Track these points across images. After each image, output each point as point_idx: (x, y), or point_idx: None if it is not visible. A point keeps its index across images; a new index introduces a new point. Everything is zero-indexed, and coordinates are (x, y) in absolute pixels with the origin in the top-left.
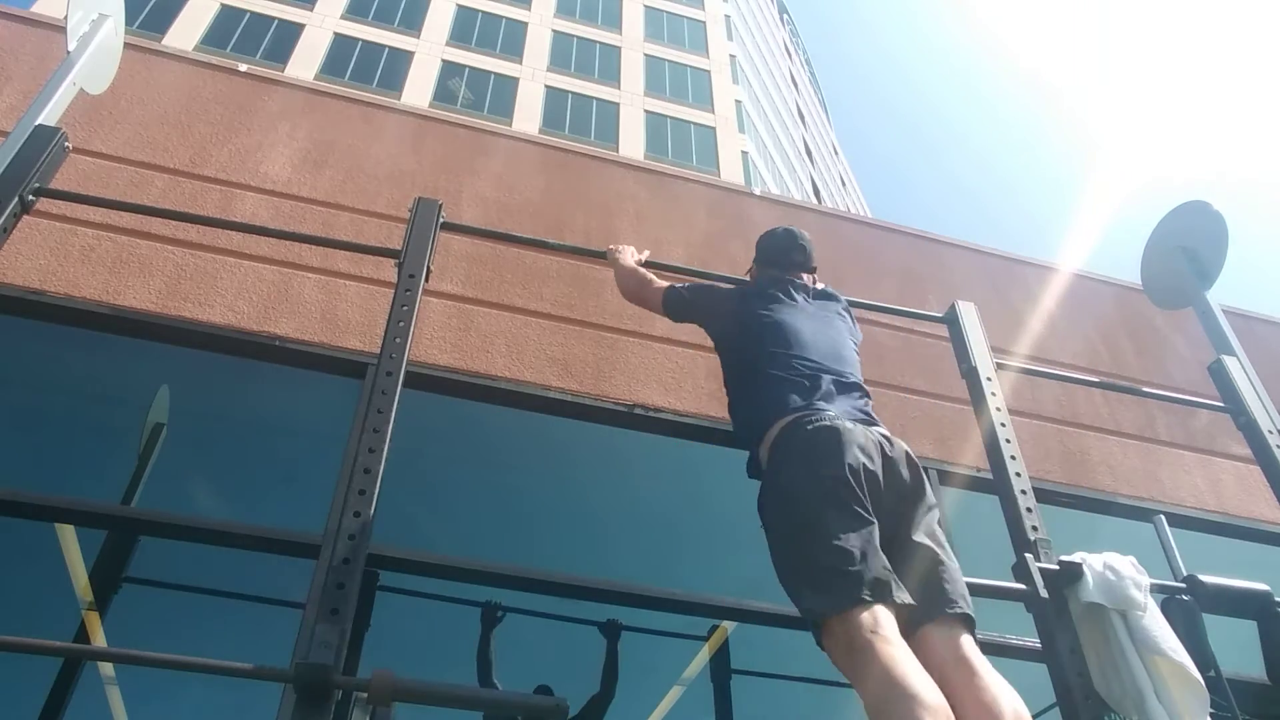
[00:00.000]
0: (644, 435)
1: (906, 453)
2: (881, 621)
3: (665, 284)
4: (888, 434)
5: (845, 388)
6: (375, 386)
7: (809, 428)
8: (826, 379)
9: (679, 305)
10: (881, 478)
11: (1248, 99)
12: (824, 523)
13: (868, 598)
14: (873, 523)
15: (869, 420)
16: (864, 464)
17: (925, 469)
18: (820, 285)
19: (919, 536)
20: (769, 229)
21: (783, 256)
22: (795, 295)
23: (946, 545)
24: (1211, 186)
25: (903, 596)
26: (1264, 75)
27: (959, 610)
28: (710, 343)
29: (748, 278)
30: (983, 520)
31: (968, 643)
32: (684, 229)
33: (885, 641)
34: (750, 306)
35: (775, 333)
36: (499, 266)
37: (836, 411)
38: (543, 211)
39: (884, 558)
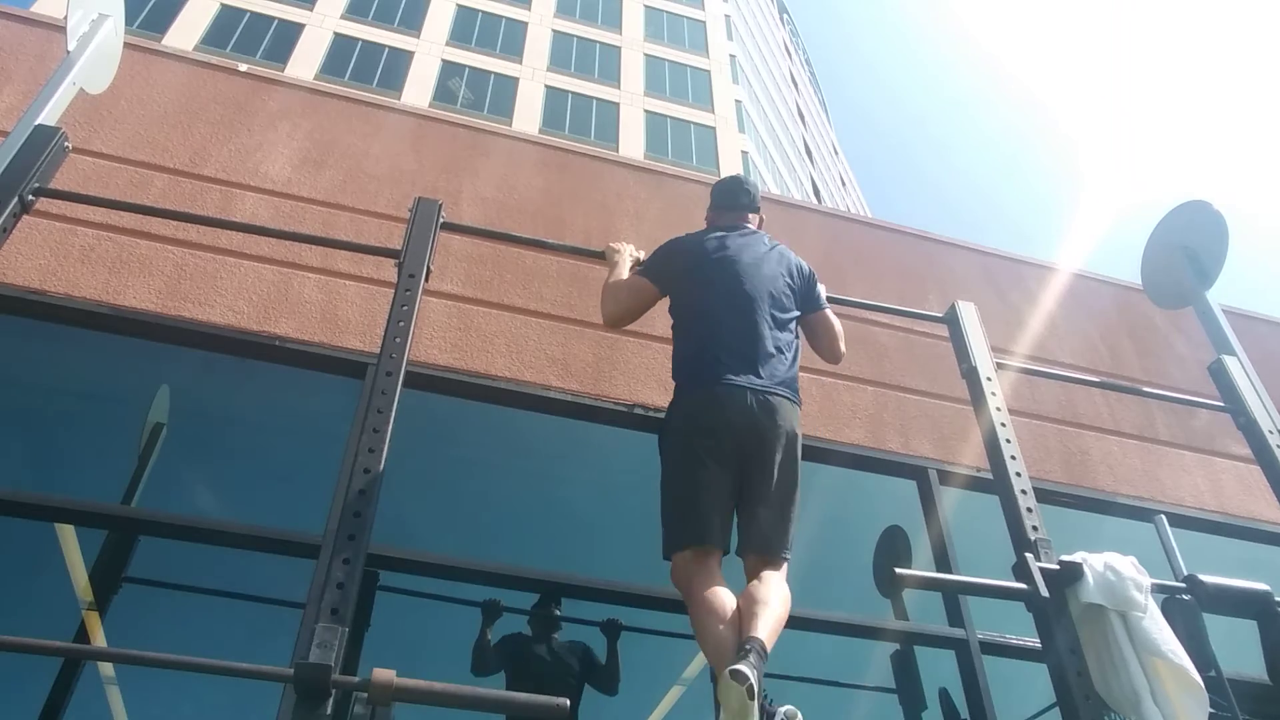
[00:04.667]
0: (644, 435)
1: (776, 409)
2: (699, 559)
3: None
4: (768, 389)
5: (744, 346)
6: (375, 386)
7: (688, 397)
8: (726, 340)
9: (652, 267)
10: (745, 434)
11: (1249, 105)
12: (675, 481)
13: (685, 540)
14: (715, 482)
15: (756, 376)
16: (729, 425)
17: (793, 434)
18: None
19: (759, 490)
20: (720, 179)
21: (730, 199)
22: (726, 244)
23: (777, 499)
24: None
25: (713, 541)
26: (1264, 80)
27: (760, 553)
28: None
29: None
30: (983, 520)
31: (765, 568)
32: (684, 229)
33: (698, 574)
34: (684, 262)
35: (693, 292)
36: (499, 266)
37: (720, 379)
38: (543, 211)
39: (715, 512)
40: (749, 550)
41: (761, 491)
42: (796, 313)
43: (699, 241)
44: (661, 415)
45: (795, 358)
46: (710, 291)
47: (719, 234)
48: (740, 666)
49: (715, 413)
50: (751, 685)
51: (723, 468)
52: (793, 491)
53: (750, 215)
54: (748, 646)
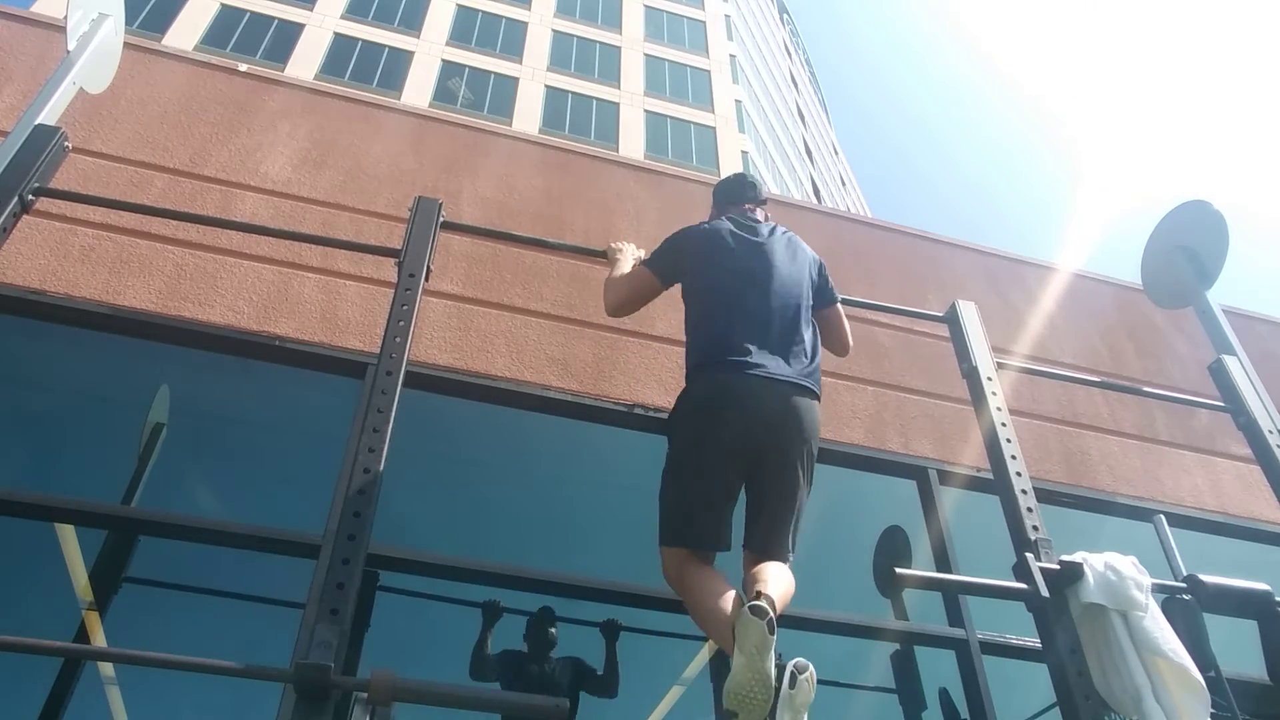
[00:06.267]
0: (644, 435)
1: (800, 405)
2: (691, 555)
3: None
4: (795, 380)
5: (771, 333)
6: (375, 386)
7: (700, 382)
8: (751, 326)
9: (658, 259)
10: (765, 427)
11: (1250, 106)
12: (682, 475)
13: (683, 543)
14: (722, 482)
15: (785, 365)
16: (750, 414)
17: (814, 434)
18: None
19: (770, 490)
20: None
21: (735, 193)
22: (745, 231)
23: (786, 503)
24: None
25: (709, 547)
26: (1265, 82)
27: (761, 555)
28: None
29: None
30: (983, 520)
31: (765, 559)
32: None
33: (689, 563)
34: (695, 253)
35: (708, 280)
36: (499, 266)
37: (730, 359)
38: (543, 211)
39: (719, 517)
40: (751, 548)
41: (772, 492)
42: (811, 306)
43: (714, 228)
44: (662, 415)
45: (817, 351)
46: (732, 276)
47: (734, 221)
48: (760, 603)
49: (736, 400)
50: (772, 620)
51: (734, 462)
52: (803, 493)
53: (756, 208)
54: (757, 593)
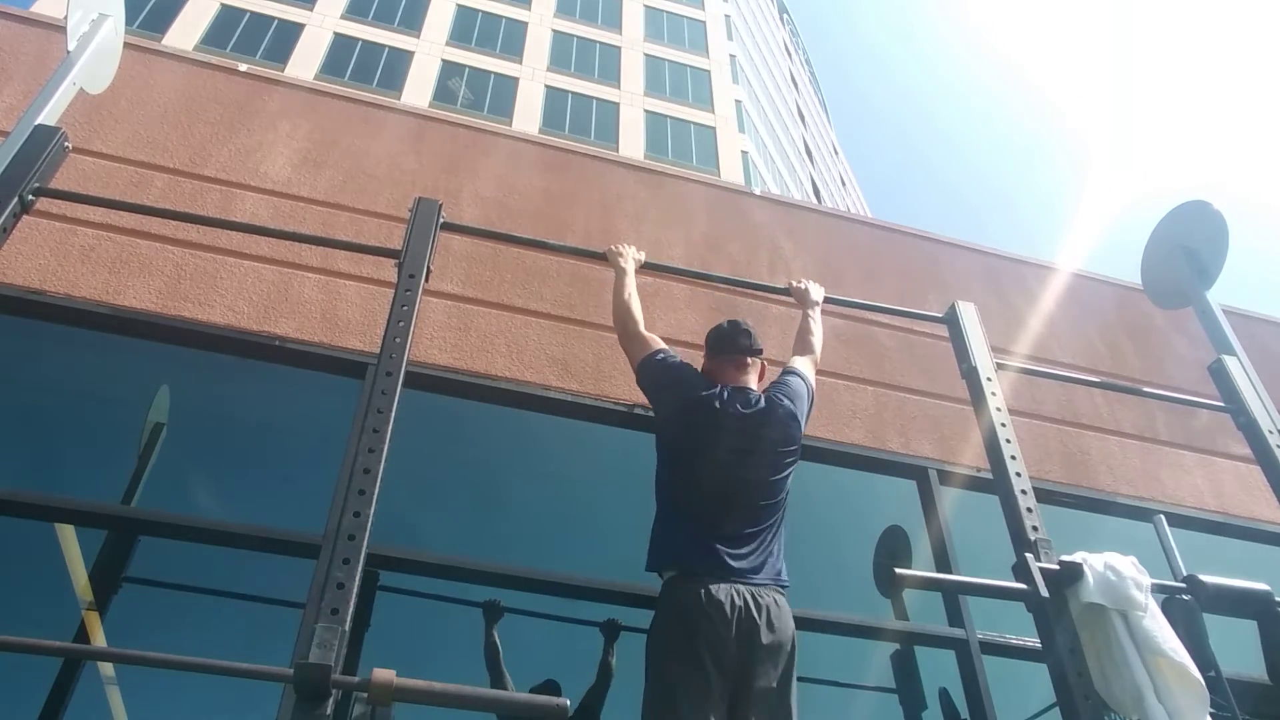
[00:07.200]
0: (644, 435)
1: (770, 609)
2: None
3: (653, 346)
4: (760, 589)
5: (736, 539)
6: (375, 386)
7: (682, 598)
8: (718, 533)
9: (646, 383)
10: (737, 638)
11: (1252, 105)
12: (670, 698)
13: None
14: (710, 701)
15: (750, 575)
16: (723, 632)
17: (792, 634)
18: (755, 388)
19: (752, 695)
20: (715, 325)
21: (728, 344)
22: (727, 412)
23: (773, 705)
24: (1213, 191)
25: None
26: (1266, 81)
27: None
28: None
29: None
30: (983, 520)
31: None
32: (684, 229)
33: None
34: (683, 421)
35: (689, 469)
36: (499, 266)
37: (715, 575)
38: (543, 211)
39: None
40: None
41: (758, 701)
42: (789, 476)
43: (710, 401)
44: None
45: (782, 529)
46: (703, 478)
47: (720, 398)
48: None
49: (715, 611)
50: None
51: (719, 664)
52: (790, 694)
53: (750, 361)
54: None
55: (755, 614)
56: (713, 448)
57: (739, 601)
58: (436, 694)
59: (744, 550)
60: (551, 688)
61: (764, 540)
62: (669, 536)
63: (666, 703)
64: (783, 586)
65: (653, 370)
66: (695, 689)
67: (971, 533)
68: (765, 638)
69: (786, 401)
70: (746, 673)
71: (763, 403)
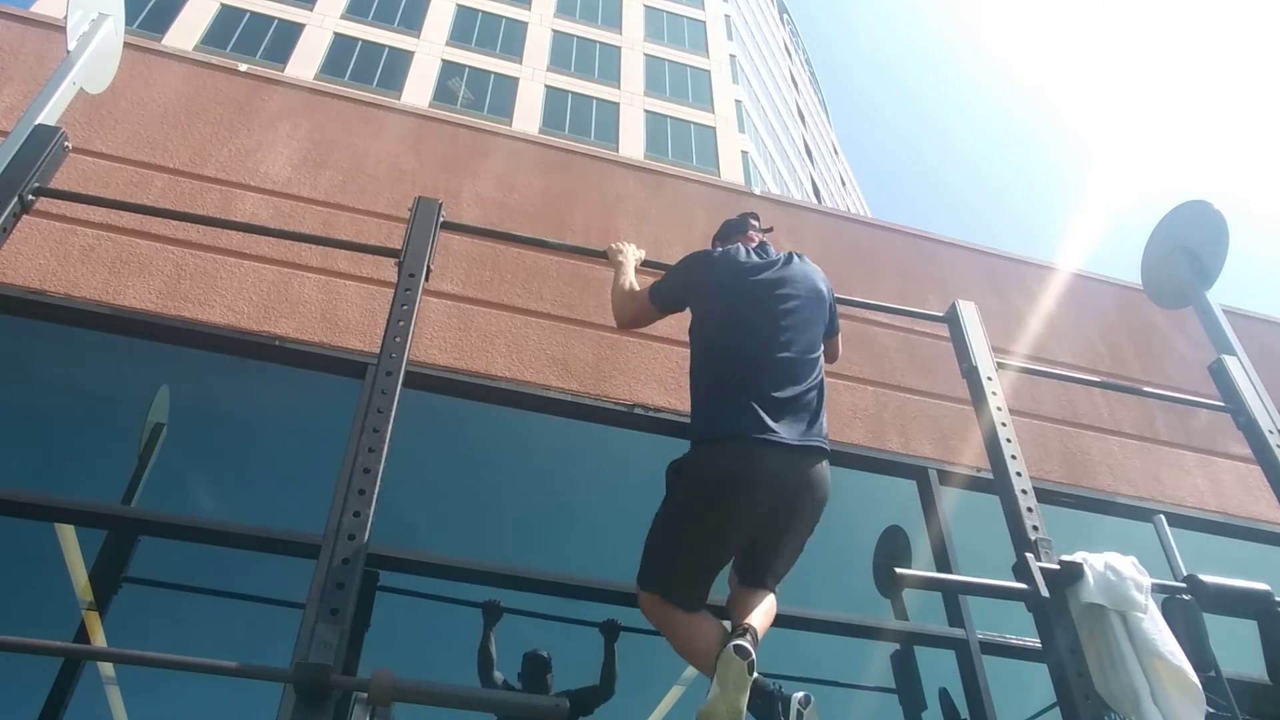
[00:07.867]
0: (644, 435)
1: (813, 471)
2: (672, 603)
3: (647, 286)
4: (808, 443)
5: (774, 397)
6: (375, 386)
7: (717, 460)
8: (755, 388)
9: (665, 293)
10: (779, 494)
11: (1252, 107)
12: (685, 537)
13: (671, 598)
14: (725, 551)
15: (799, 429)
16: (764, 481)
17: (825, 497)
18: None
19: (775, 544)
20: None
21: (738, 224)
22: (751, 261)
23: (788, 554)
24: (1213, 194)
25: (696, 608)
26: (1266, 83)
27: (753, 587)
28: None
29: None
30: (983, 520)
31: (756, 589)
32: (684, 229)
33: (675, 612)
34: (712, 281)
35: (721, 327)
36: (499, 266)
37: (750, 433)
38: (543, 211)
39: (713, 576)
40: (745, 582)
41: (778, 543)
42: (822, 336)
43: (727, 255)
44: (661, 415)
45: (824, 396)
46: (742, 328)
47: (748, 253)
48: (743, 643)
49: (755, 475)
50: (753, 661)
51: (743, 532)
52: (804, 542)
53: (760, 238)
54: (743, 629)
55: (796, 469)
56: (744, 298)
57: (775, 467)
58: (436, 694)
59: (784, 412)
60: (538, 658)
61: (811, 403)
62: (706, 394)
63: (676, 534)
64: (825, 451)
65: (662, 282)
66: (714, 534)
67: (971, 533)
68: (805, 494)
69: (808, 261)
70: (776, 523)
71: (782, 256)
